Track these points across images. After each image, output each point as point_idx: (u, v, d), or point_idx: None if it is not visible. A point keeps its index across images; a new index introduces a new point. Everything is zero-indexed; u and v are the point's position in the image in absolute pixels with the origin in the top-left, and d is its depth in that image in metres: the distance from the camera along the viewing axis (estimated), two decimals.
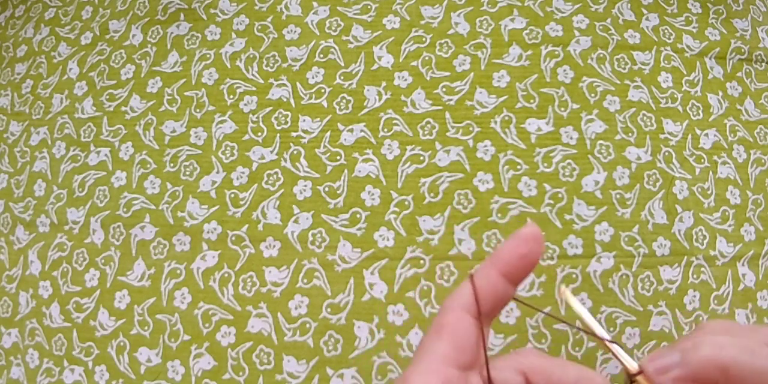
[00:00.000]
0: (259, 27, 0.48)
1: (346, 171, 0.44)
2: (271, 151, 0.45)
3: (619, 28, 0.47)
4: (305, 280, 0.42)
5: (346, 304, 0.41)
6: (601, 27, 0.47)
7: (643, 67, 0.46)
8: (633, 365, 0.23)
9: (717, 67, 0.47)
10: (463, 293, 0.25)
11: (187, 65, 0.48)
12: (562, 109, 0.44)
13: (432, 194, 0.43)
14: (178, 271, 0.43)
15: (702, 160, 0.44)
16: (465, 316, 0.24)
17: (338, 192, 0.43)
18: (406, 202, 0.43)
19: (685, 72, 0.46)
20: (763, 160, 0.45)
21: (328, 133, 0.45)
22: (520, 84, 0.45)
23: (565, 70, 0.45)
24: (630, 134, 0.44)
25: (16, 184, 0.49)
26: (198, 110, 0.47)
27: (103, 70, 0.50)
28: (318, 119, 0.45)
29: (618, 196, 0.42)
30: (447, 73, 0.45)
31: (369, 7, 0.48)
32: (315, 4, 0.48)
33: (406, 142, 0.44)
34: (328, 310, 0.41)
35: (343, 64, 0.46)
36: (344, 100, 0.45)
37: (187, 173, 0.45)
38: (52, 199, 0.47)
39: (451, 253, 0.41)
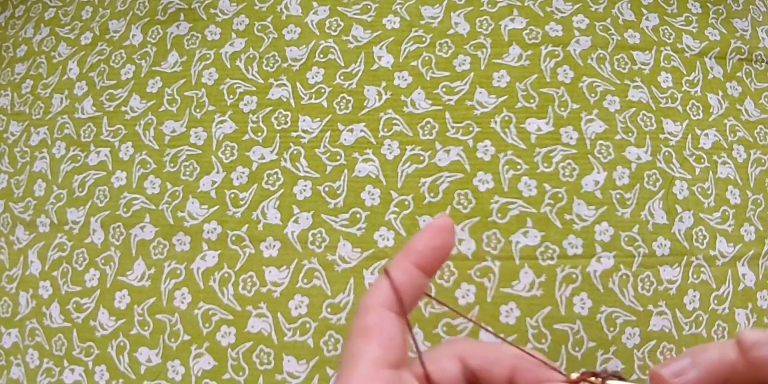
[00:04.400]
0: (259, 27, 0.48)
1: (346, 171, 0.44)
2: (271, 151, 0.45)
3: (619, 28, 0.47)
4: (305, 280, 0.42)
5: (346, 304, 0.41)
6: (601, 27, 0.47)
7: (643, 67, 0.46)
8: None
9: (717, 67, 0.47)
10: (381, 289, 0.24)
11: (187, 65, 0.48)
12: (562, 109, 0.44)
13: (432, 194, 0.43)
14: (178, 271, 0.43)
15: (702, 160, 0.44)
16: (387, 313, 0.24)
17: (338, 192, 0.43)
18: (406, 202, 0.43)
19: (685, 72, 0.46)
20: (763, 160, 0.45)
21: (328, 133, 0.45)
22: (520, 84, 0.45)
23: (565, 70, 0.45)
24: (630, 134, 0.44)
25: (16, 184, 0.49)
26: (198, 110, 0.47)
27: (103, 70, 0.50)
28: (318, 119, 0.45)
29: (618, 196, 0.42)
30: (447, 73, 0.45)
31: (369, 7, 0.48)
32: (315, 4, 0.48)
33: (406, 142, 0.44)
34: (329, 310, 0.41)
35: (343, 64, 0.46)
36: (344, 100, 0.45)
37: (187, 173, 0.45)
38: (52, 199, 0.47)
39: (451, 253, 0.41)
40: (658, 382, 0.22)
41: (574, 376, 0.23)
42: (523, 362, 0.23)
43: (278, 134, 0.45)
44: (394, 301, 0.24)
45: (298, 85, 0.46)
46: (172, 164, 0.46)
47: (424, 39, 0.46)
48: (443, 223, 0.25)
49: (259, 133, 0.45)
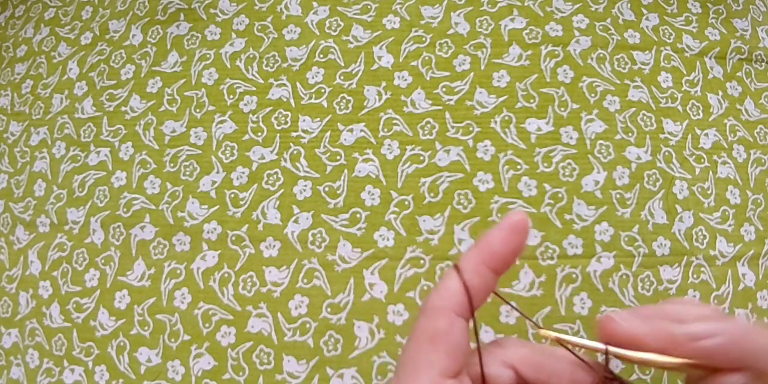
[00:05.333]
0: (259, 27, 0.48)
1: (346, 171, 0.44)
2: (271, 151, 0.45)
3: (619, 28, 0.47)
4: (305, 280, 0.42)
5: (346, 304, 0.41)
6: (601, 27, 0.47)
7: (643, 67, 0.46)
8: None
9: (717, 67, 0.47)
10: (452, 291, 0.22)
11: (187, 65, 0.48)
12: (562, 109, 0.44)
13: (432, 194, 0.43)
14: (178, 271, 0.43)
15: (702, 160, 0.44)
16: (457, 320, 0.22)
17: (338, 192, 0.43)
18: (406, 202, 0.43)
19: (685, 72, 0.46)
20: (763, 160, 0.45)
21: (328, 133, 0.45)
22: (520, 84, 0.45)
23: (565, 70, 0.45)
24: (630, 134, 0.44)
25: (16, 184, 0.49)
26: (198, 110, 0.47)
27: (103, 70, 0.50)
28: (318, 119, 0.45)
29: (618, 196, 0.42)
30: (447, 73, 0.45)
31: (369, 7, 0.48)
32: (315, 4, 0.48)
33: (406, 142, 0.44)
34: (328, 310, 0.41)
35: (343, 64, 0.46)
36: (344, 100, 0.45)
37: (187, 173, 0.45)
38: (52, 199, 0.47)
39: (451, 253, 0.41)
40: (606, 324, 0.22)
41: None
42: (582, 375, 0.22)
43: (278, 134, 0.45)
44: (464, 304, 0.22)
45: (298, 85, 0.46)
46: (172, 164, 0.46)
47: (424, 39, 0.46)
48: (521, 222, 0.23)
49: (259, 133, 0.45)
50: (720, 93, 0.46)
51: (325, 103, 0.45)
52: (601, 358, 0.23)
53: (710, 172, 0.44)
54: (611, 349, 0.22)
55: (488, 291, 0.23)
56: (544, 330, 0.23)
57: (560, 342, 0.23)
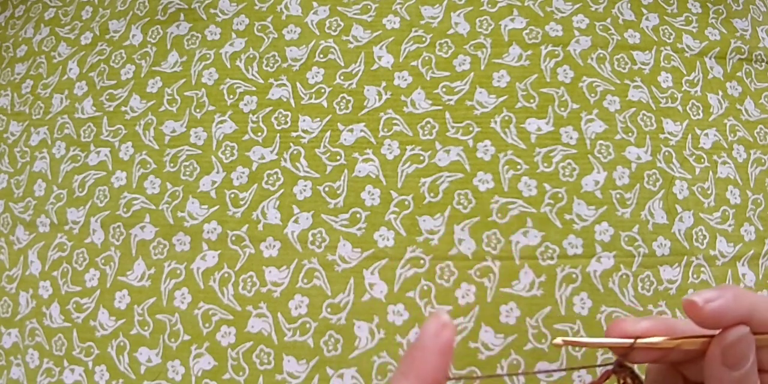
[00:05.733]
0: (259, 27, 0.48)
1: (346, 171, 0.44)
2: (271, 151, 0.45)
3: (619, 28, 0.47)
4: (305, 280, 0.42)
5: (346, 304, 0.41)
6: (601, 27, 0.47)
7: (643, 67, 0.46)
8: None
9: (717, 67, 0.47)
10: None
11: (187, 65, 0.48)
12: (562, 109, 0.44)
13: (432, 194, 0.43)
14: (178, 271, 0.43)
15: (702, 160, 0.44)
16: None
17: (338, 192, 0.43)
18: (406, 202, 0.43)
19: (685, 72, 0.46)
20: (763, 160, 0.45)
21: (328, 133, 0.45)
22: (520, 84, 0.45)
23: (565, 70, 0.45)
24: (630, 134, 0.44)
25: (16, 184, 0.49)
26: (198, 110, 0.47)
27: (103, 70, 0.50)
28: (318, 119, 0.45)
29: (618, 196, 0.42)
30: (447, 73, 0.45)
31: (369, 7, 0.48)
32: (315, 4, 0.48)
33: (406, 142, 0.44)
34: (328, 310, 0.41)
35: (343, 64, 0.46)
36: (344, 100, 0.45)
37: (187, 173, 0.45)
38: (52, 199, 0.47)
39: (451, 253, 0.41)
40: (690, 309, 0.24)
41: None
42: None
43: (278, 134, 0.45)
44: None
45: (298, 85, 0.46)
46: (172, 164, 0.46)
47: (424, 39, 0.46)
48: (438, 323, 0.23)
49: (259, 133, 0.45)
50: (720, 93, 0.46)
51: (325, 103, 0.45)
52: (601, 358, 0.24)
53: (710, 172, 0.44)
54: (640, 341, 0.24)
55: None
56: (557, 339, 0.24)
57: (577, 345, 0.24)
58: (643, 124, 0.44)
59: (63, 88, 0.50)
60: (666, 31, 0.47)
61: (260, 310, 0.42)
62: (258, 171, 0.44)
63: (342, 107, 0.45)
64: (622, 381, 0.24)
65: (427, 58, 0.46)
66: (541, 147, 0.43)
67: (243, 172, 0.45)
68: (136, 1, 0.52)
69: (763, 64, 0.48)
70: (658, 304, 0.40)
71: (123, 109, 0.48)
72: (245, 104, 0.46)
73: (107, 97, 0.49)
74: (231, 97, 0.47)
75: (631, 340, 0.23)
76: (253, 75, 0.47)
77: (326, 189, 0.43)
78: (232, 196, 0.44)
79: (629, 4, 0.48)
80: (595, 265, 0.41)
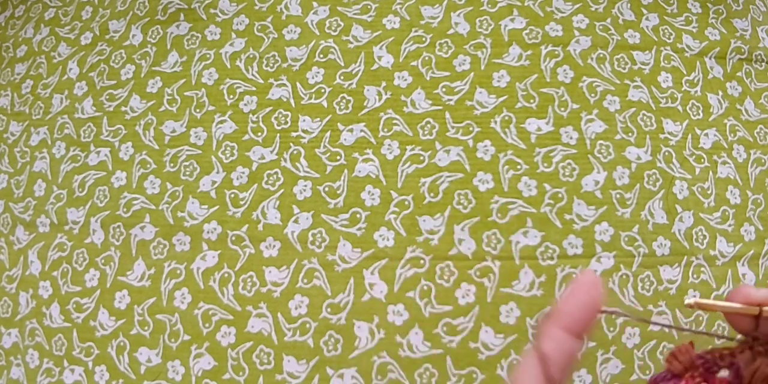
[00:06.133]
0: (259, 27, 0.48)
1: (346, 171, 0.44)
2: (271, 151, 0.45)
3: (619, 28, 0.47)
4: (305, 280, 0.42)
5: (346, 304, 0.41)
6: (601, 27, 0.47)
7: (643, 66, 0.46)
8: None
9: (717, 67, 0.47)
10: (530, 371, 0.22)
11: (187, 65, 0.48)
12: (562, 109, 0.44)
13: (432, 194, 0.43)
14: (178, 271, 0.43)
15: (702, 160, 0.44)
16: None
17: (338, 192, 0.43)
18: (406, 202, 0.43)
19: (685, 72, 0.46)
20: (763, 160, 0.45)
21: (328, 133, 0.45)
22: (520, 84, 0.45)
23: (565, 70, 0.45)
24: (630, 134, 0.44)
25: (16, 184, 0.49)
26: (198, 110, 0.47)
27: (103, 70, 0.50)
28: (318, 119, 0.45)
29: (618, 196, 0.42)
30: (447, 73, 0.45)
31: (369, 7, 0.48)
32: (315, 4, 0.48)
33: (406, 142, 0.44)
34: (328, 310, 0.41)
35: (343, 64, 0.46)
36: (344, 100, 0.45)
37: (187, 173, 0.45)
38: (52, 199, 0.47)
39: (451, 253, 0.41)
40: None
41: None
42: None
43: (278, 134, 0.45)
44: (545, 381, 0.22)
45: (298, 85, 0.46)
46: (172, 164, 0.46)
47: (424, 39, 0.46)
48: (588, 279, 0.23)
49: (259, 133, 0.45)
50: (720, 93, 0.46)
51: (325, 103, 0.45)
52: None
53: (710, 172, 0.44)
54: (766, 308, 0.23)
55: (569, 356, 0.23)
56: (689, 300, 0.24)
57: (707, 308, 0.23)
58: (643, 124, 0.44)
59: (63, 88, 0.50)
60: (666, 31, 0.47)
61: (260, 310, 0.42)
62: (258, 171, 0.44)
63: (342, 107, 0.45)
64: (758, 350, 0.23)
65: (427, 58, 0.46)
66: (541, 147, 0.43)
67: (243, 172, 0.45)
68: (136, 1, 0.52)
69: (763, 64, 0.48)
70: (658, 304, 0.40)
71: (123, 109, 0.48)
72: (245, 104, 0.46)
73: (107, 97, 0.49)
74: (231, 97, 0.47)
75: (757, 308, 0.23)
76: (253, 75, 0.47)
77: (326, 189, 0.43)
78: (232, 196, 0.44)
79: (629, 4, 0.48)
80: (595, 265, 0.41)
